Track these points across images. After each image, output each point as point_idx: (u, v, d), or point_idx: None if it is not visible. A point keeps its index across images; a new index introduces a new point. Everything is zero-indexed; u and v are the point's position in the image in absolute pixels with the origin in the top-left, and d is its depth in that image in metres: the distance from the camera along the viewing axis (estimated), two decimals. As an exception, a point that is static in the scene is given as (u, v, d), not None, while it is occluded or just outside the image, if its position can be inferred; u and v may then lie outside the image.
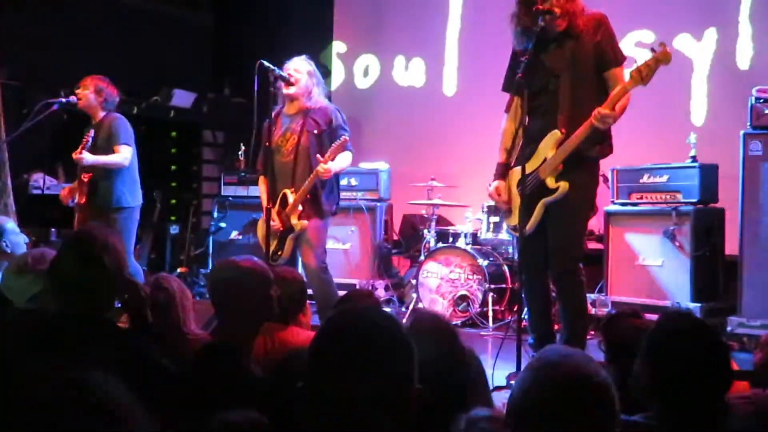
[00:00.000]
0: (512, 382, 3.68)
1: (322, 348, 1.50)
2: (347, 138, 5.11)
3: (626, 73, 4.07)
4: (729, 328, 5.42)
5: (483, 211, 6.74)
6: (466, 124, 7.94)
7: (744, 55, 6.64)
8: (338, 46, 9.00)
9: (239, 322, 2.85)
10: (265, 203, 4.90)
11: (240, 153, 8.04)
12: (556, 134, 4.04)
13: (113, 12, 8.60)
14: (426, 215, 7.17)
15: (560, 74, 4.06)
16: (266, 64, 4.82)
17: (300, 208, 5.12)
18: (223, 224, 7.90)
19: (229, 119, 9.07)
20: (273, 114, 5.19)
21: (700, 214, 5.85)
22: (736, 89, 6.39)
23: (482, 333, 6.13)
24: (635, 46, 7.03)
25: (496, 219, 6.62)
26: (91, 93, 5.71)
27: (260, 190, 5.32)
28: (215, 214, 8.03)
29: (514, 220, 4.25)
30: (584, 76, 4.05)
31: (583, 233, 4.26)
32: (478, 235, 6.79)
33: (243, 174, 7.92)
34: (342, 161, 5.16)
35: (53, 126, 7.04)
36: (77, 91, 5.74)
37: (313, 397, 1.46)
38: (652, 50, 3.83)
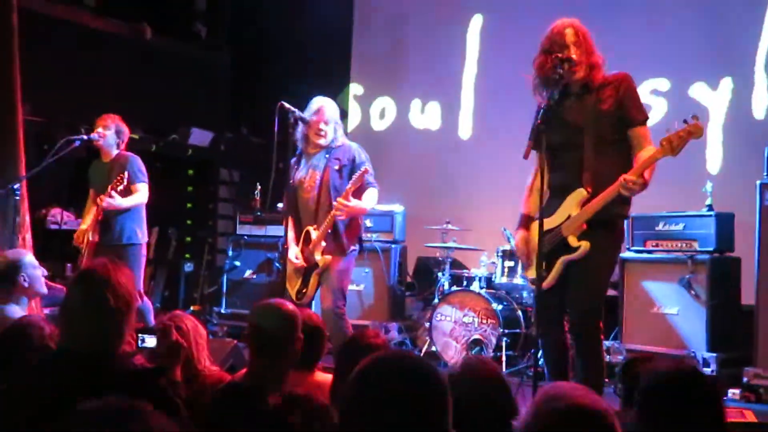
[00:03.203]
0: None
1: (360, 390, 1.50)
2: (368, 169, 5.01)
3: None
4: (745, 379, 5.37)
5: (498, 255, 6.73)
6: (482, 167, 7.98)
7: (760, 104, 6.67)
8: (355, 88, 9.09)
9: (275, 365, 2.88)
10: (289, 241, 4.89)
11: (255, 192, 8.07)
12: (581, 193, 3.98)
13: (133, 51, 8.73)
14: (440, 258, 7.16)
15: (583, 128, 4.00)
16: (287, 105, 4.87)
17: (323, 244, 5.06)
18: (237, 263, 7.91)
19: (246, 158, 9.15)
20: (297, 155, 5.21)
21: (716, 262, 5.81)
22: (751, 138, 6.41)
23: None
24: (650, 93, 7.09)
25: (511, 263, 6.60)
26: (113, 133, 5.90)
27: (285, 229, 5.16)
28: (230, 253, 8.04)
29: (533, 272, 4.22)
30: (607, 132, 3.99)
31: (604, 292, 4.18)
32: (493, 279, 6.76)
33: (258, 213, 7.94)
34: (367, 200, 5.11)
35: (72, 162, 7.11)
36: (98, 130, 5.86)
37: None
38: (685, 121, 3.81)
